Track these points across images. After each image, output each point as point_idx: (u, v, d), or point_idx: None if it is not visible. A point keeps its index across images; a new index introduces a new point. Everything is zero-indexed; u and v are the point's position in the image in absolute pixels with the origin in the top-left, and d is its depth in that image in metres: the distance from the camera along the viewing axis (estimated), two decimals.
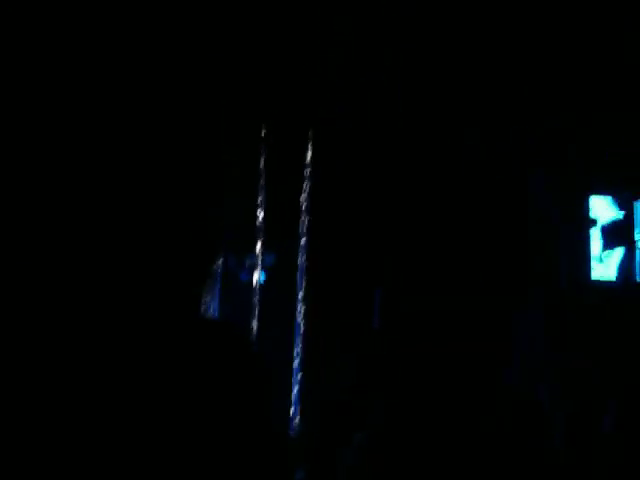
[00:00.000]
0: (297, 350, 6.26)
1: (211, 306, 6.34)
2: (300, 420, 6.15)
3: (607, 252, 6.65)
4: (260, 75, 5.56)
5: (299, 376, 6.26)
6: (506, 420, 3.76)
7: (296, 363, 6.27)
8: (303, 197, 6.29)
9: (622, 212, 6.64)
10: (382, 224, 6.33)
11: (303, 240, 6.31)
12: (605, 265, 6.61)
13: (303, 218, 6.30)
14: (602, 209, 6.67)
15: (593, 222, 6.63)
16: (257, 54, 5.45)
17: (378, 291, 6.36)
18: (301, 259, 6.31)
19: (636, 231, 6.64)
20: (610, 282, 6.58)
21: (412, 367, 5.86)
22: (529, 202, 6.46)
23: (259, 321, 6.26)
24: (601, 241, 6.64)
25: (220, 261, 6.40)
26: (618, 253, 6.66)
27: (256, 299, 6.28)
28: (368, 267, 6.41)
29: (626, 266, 6.59)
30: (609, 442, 3.12)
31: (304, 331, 6.25)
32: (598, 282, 6.57)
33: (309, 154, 6.24)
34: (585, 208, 6.63)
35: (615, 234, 6.66)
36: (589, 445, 3.28)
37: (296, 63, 5.78)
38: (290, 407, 6.19)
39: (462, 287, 6.18)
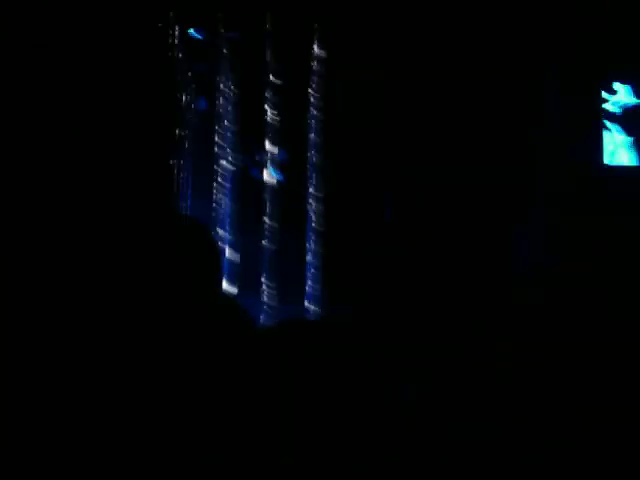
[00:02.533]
0: (310, 245, 6.32)
1: (223, 203, 6.38)
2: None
3: (626, 140, 6.58)
4: None
5: (312, 272, 6.34)
6: None
7: (309, 258, 6.34)
8: (311, 92, 6.25)
9: None
10: (392, 119, 6.29)
11: (312, 136, 6.29)
12: (625, 152, 6.55)
13: (312, 113, 6.27)
14: (621, 97, 6.58)
15: (609, 111, 6.55)
16: None
17: (390, 183, 6.37)
18: (311, 155, 6.31)
19: None
20: (629, 167, 6.52)
21: (422, 260, 5.91)
22: (544, 94, 6.36)
23: (271, 218, 6.30)
24: (618, 129, 6.57)
25: (230, 158, 6.42)
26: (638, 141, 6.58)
27: (267, 196, 6.32)
28: (379, 163, 6.40)
29: None
30: None
31: (316, 227, 6.30)
32: (615, 168, 6.51)
33: (315, 47, 6.17)
34: (599, 97, 6.54)
35: (635, 121, 6.59)
36: None
37: None
38: (303, 301, 6.29)
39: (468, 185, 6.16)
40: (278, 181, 6.40)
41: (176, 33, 6.18)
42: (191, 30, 6.31)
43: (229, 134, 6.51)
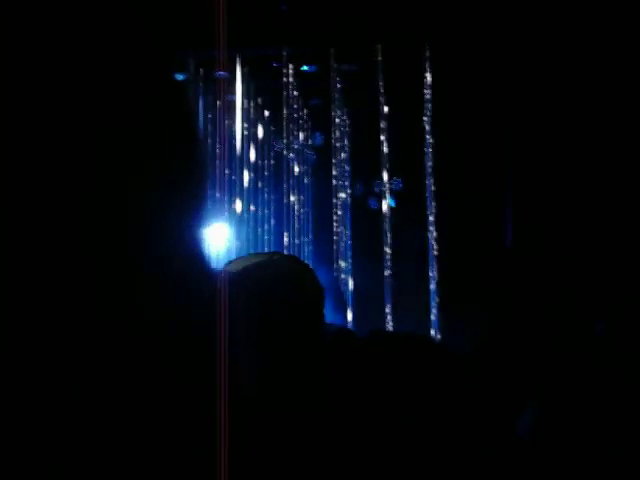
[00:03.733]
0: (432, 273, 6.27)
1: (343, 234, 6.44)
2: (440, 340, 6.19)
3: None
4: None
5: (436, 300, 6.28)
6: None
7: (432, 286, 6.29)
8: (425, 120, 6.24)
9: None
10: (509, 141, 6.19)
11: (429, 164, 6.27)
12: None
13: (427, 141, 6.26)
14: None
15: None
16: None
17: (509, 209, 6.26)
18: (428, 183, 6.28)
19: None
20: None
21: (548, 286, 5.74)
22: None
23: (391, 247, 6.31)
24: None
25: (348, 190, 6.48)
26: None
27: (386, 225, 6.33)
28: (497, 185, 6.30)
29: None
30: None
31: (437, 254, 6.25)
32: None
33: (428, 75, 6.16)
34: None
35: None
36: None
37: None
38: (429, 330, 6.23)
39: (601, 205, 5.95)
40: (396, 210, 6.41)
41: (290, 71, 6.32)
42: (305, 67, 6.45)
43: (346, 166, 6.58)
